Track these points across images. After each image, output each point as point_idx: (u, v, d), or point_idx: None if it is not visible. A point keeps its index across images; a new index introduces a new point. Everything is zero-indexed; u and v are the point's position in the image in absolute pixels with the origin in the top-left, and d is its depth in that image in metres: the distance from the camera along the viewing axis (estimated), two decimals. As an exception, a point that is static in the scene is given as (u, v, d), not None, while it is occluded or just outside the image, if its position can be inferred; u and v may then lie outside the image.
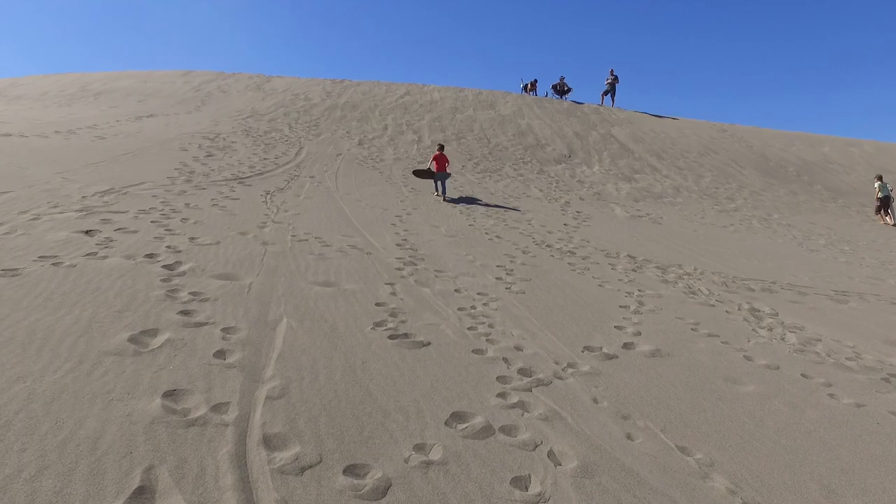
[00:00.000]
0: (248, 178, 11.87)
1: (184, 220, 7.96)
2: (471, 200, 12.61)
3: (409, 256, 7.45)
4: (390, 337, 4.64)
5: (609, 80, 27.31)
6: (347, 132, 19.00)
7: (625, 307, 6.31)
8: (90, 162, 11.42)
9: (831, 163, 22.93)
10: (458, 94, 25.95)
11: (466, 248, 8.34)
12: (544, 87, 28.65)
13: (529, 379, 4.12)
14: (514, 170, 16.97)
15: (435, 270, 6.92)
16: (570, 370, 4.38)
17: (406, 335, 4.72)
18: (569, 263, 8.11)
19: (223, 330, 4.40)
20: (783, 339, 5.77)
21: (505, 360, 4.43)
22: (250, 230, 7.82)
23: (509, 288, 6.53)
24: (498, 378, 4.08)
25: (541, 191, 14.84)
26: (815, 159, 22.98)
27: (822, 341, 5.81)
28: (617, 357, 4.76)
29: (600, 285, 7.16)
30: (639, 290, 7.09)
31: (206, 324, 4.48)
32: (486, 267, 7.39)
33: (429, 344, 4.59)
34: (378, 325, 4.89)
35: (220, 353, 3.99)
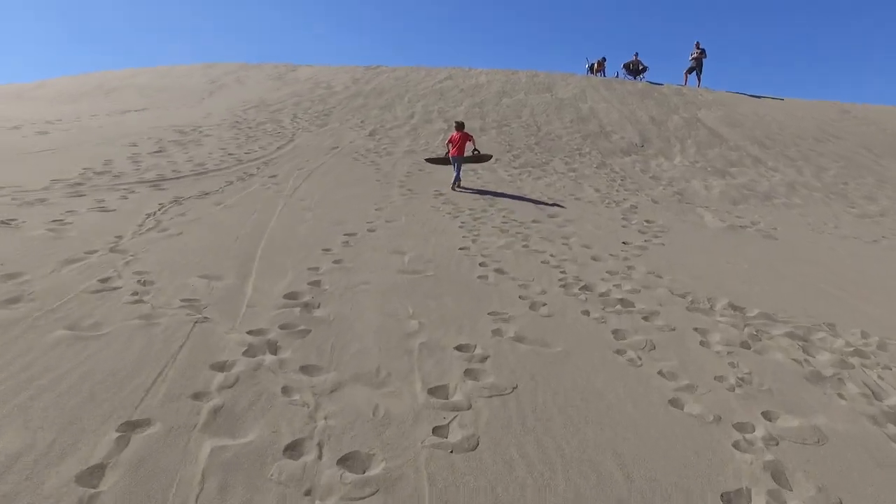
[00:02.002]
0: (175, 179, 8.59)
1: (-56, 250, 4.66)
2: (489, 205, 8.77)
3: (284, 324, 3.78)
4: None
5: (694, 55, 22.48)
6: (362, 122, 15.55)
7: (740, 498, 2.35)
8: (-27, 161, 8.49)
9: None
10: (510, 77, 21.98)
11: (421, 299, 4.56)
12: (615, 66, 24.20)
13: None
14: (566, 164, 12.90)
15: (301, 369, 3.21)
16: None
17: None
18: (613, 334, 4.16)
19: None
20: None
21: None
22: (32, 270, 4.40)
23: (443, 436, 2.71)
24: None
25: (597, 191, 10.75)
26: (978, 143, 17.35)
27: None
28: None
29: (674, 401, 3.20)
30: (764, 416, 3.08)
31: None
32: (432, 351, 3.59)
33: None
34: None
35: None
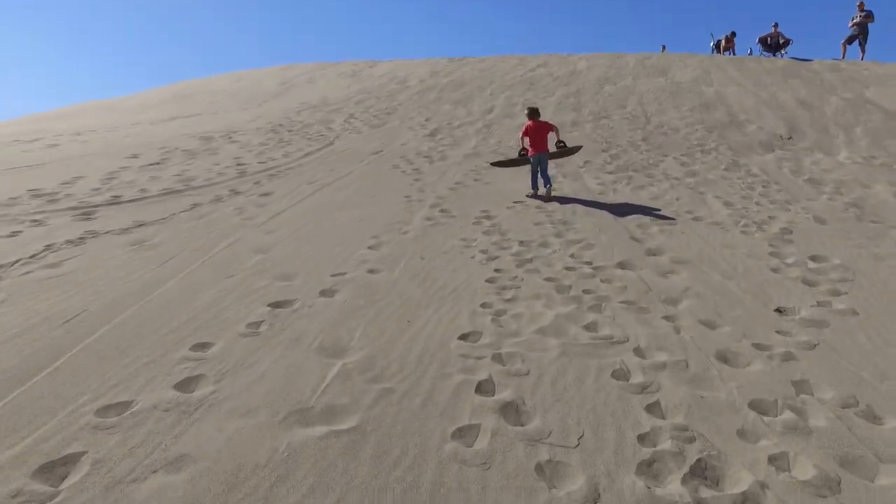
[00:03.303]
0: (129, 202, 6.48)
1: None
2: (556, 233, 5.82)
3: None
4: None
5: (857, 20, 17.63)
6: (426, 120, 12.97)
7: None
8: None
9: None
10: (614, 61, 18.46)
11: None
12: (748, 42, 19.83)
13: None
14: (683, 165, 9.49)
15: None
16: None
17: None
18: None
19: None
20: None
21: None
22: None
23: None
24: None
25: (728, 205, 7.35)
26: None
27: None
28: None
29: None
30: None
31: None
32: None
33: None
34: None
35: None
